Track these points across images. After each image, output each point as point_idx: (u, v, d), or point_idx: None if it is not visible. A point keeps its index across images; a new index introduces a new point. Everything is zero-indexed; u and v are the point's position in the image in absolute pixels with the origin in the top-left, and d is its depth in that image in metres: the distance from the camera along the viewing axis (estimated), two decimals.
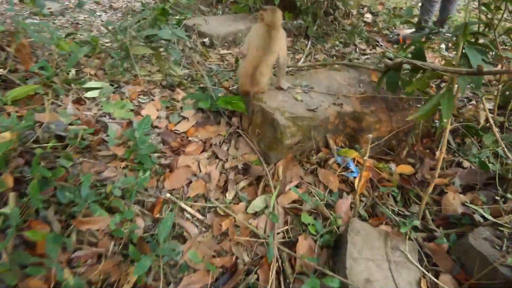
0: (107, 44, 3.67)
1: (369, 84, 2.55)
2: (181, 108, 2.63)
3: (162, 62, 3.05)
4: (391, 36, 4.38)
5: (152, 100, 2.66)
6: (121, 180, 1.72)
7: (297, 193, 1.88)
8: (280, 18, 2.28)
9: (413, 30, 4.46)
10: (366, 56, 3.94)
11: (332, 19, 4.47)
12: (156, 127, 2.36)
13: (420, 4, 4.22)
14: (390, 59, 3.79)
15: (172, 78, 3.06)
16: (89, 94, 2.38)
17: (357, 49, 4.08)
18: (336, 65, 2.85)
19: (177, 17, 4.31)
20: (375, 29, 4.59)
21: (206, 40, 3.86)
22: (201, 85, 3.14)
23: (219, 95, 2.67)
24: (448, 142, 2.46)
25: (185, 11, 4.33)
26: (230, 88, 2.95)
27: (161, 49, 3.23)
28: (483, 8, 1.99)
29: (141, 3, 4.72)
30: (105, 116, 2.30)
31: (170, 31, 2.57)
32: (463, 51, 1.76)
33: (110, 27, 3.28)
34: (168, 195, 1.89)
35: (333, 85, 2.51)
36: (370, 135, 1.64)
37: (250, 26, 4.24)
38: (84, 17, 5.03)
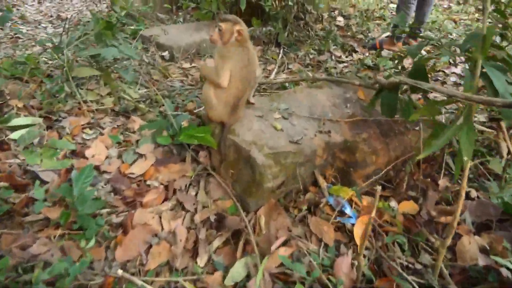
0: (50, 62, 3.12)
1: (356, 103, 2.17)
2: (137, 141, 2.16)
3: (113, 84, 2.55)
4: (366, 41, 4.05)
5: (101, 134, 2.16)
6: (48, 270, 1.23)
7: (287, 263, 1.46)
8: (246, 28, 1.87)
9: (388, 34, 4.18)
10: (343, 64, 3.59)
11: (303, 23, 4.10)
12: (105, 172, 1.87)
13: (394, 6, 3.91)
14: (370, 67, 3.46)
15: (126, 102, 2.57)
16: (15, 135, 1.86)
17: (333, 57, 3.72)
18: (317, 81, 2.46)
19: (132, 27, 3.80)
20: (348, 33, 4.26)
21: (166, 53, 3.37)
22: (162, 108, 2.67)
23: (183, 123, 2.21)
24: (449, 166, 2.13)
25: (140, 21, 3.82)
26: (196, 111, 2.50)
27: (112, 68, 2.73)
28: (495, 14, 1.65)
29: (90, 12, 4.15)
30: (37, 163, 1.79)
31: (115, 49, 2.08)
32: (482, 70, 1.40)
33: (49, 43, 2.74)
34: (120, 271, 1.42)
35: (316, 107, 2.11)
36: (379, 188, 1.25)
37: None
38: (27, 30, 4.42)
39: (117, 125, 2.34)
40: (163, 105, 2.66)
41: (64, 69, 2.22)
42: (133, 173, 1.89)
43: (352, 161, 1.85)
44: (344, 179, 1.91)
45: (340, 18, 4.53)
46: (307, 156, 1.77)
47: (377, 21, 4.60)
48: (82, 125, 2.15)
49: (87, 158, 1.90)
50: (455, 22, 4.50)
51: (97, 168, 1.87)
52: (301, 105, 2.12)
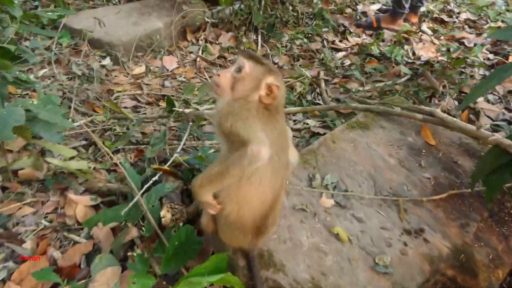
0: None
1: (429, 155, 1.37)
2: (87, 258, 1.20)
3: (28, 137, 1.46)
4: (358, 17, 3.16)
5: (18, 259, 1.15)
6: None
7: None
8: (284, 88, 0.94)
9: (380, 7, 3.32)
10: (341, 53, 2.72)
11: None
12: None
13: None
14: (376, 57, 2.63)
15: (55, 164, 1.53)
16: None
17: (325, 42, 2.82)
18: (356, 111, 1.60)
19: (49, 13, 2.54)
20: (333, 6, 3.31)
21: (107, 61, 2.24)
22: (117, 157, 1.67)
23: (162, 212, 1.27)
24: None
25: (60, 3, 2.57)
26: (169, 164, 1.54)
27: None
28: None
29: None
30: None
31: (21, 112, 1.02)
32: None
33: None
34: None
35: (379, 171, 1.28)
36: None
37: (171, 22, 2.63)
38: None
39: (47, 218, 1.33)
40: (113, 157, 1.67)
41: None
42: None
43: (469, 285, 1.07)
44: None
45: None
46: None
47: None
48: None
49: None
50: None
51: None
52: (354, 170, 1.26)
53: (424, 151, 1.38)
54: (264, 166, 0.83)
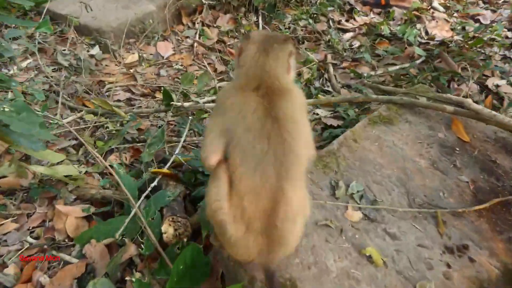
0: None
1: (464, 154, 1.20)
2: (78, 283, 1.03)
3: (9, 141, 1.26)
4: None
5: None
6: None
7: None
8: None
9: None
10: (348, 34, 2.49)
11: None
12: None
13: None
14: (387, 38, 2.41)
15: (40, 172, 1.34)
16: None
17: (331, 23, 2.59)
18: (378, 104, 1.42)
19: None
20: None
21: (96, 49, 2.02)
22: (108, 167, 1.49)
23: (163, 227, 1.10)
24: None
25: None
26: (167, 167, 1.35)
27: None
28: None
29: None
30: None
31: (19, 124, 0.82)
32: None
33: None
34: None
35: (410, 175, 1.11)
36: None
37: (165, 4, 2.39)
38: None
39: (33, 234, 1.16)
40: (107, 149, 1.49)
41: None
42: None
43: None
44: None
45: None
46: None
47: None
48: None
49: None
50: None
51: None
52: (382, 175, 1.09)
53: (457, 149, 1.20)
54: (247, 158, 0.75)
